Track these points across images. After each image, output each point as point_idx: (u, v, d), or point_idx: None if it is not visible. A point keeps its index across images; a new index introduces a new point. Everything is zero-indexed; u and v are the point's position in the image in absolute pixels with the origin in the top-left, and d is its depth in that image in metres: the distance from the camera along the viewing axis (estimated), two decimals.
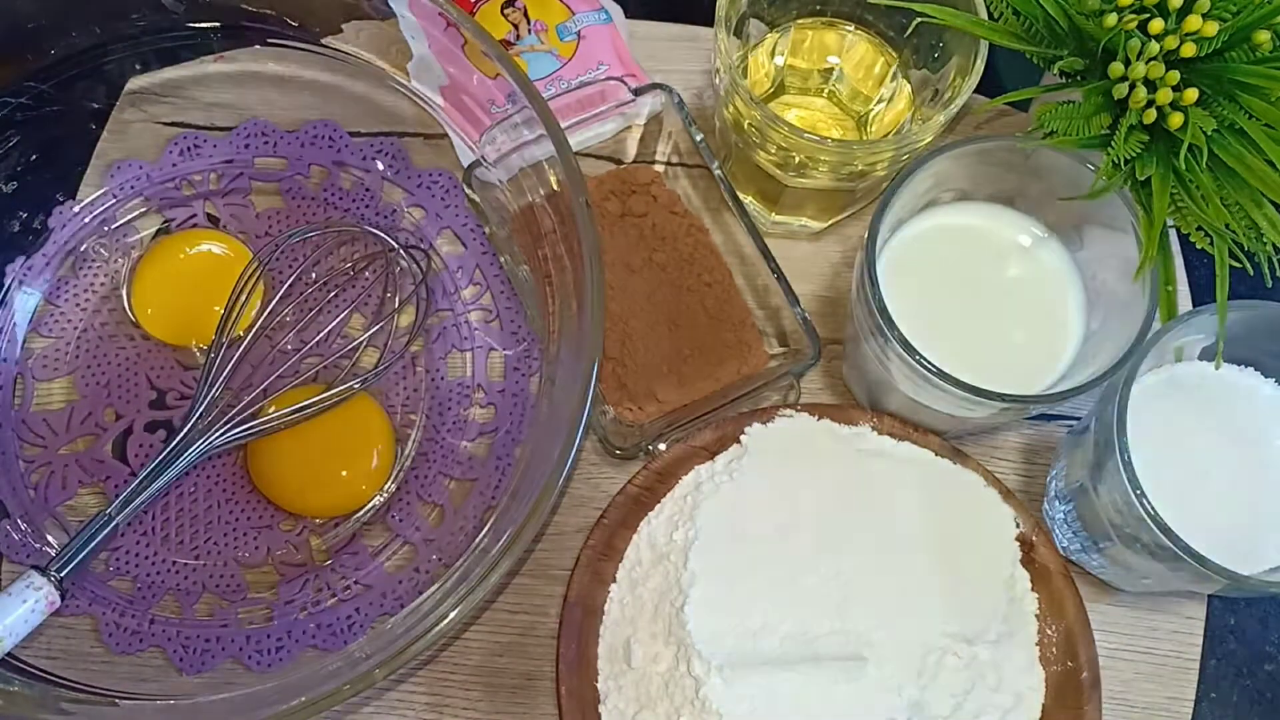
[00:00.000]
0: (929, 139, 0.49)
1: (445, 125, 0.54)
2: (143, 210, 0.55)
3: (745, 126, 0.50)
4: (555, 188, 0.47)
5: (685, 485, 0.49)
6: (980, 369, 0.44)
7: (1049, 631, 0.48)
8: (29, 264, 0.53)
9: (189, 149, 0.56)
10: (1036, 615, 0.48)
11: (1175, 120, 0.43)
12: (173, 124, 0.56)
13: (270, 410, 0.49)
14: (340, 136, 0.56)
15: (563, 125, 0.46)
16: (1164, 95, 0.43)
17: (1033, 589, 0.48)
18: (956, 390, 0.43)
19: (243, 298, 0.51)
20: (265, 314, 0.51)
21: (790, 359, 0.51)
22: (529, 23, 0.57)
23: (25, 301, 0.53)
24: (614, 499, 0.49)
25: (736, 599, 0.45)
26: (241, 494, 0.51)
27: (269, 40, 0.54)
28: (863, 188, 0.53)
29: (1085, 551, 0.48)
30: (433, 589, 0.46)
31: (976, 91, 0.48)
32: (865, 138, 0.55)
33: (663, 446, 0.49)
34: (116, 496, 0.46)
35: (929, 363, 0.43)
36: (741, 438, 0.50)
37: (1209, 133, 0.43)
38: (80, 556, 0.45)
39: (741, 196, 0.53)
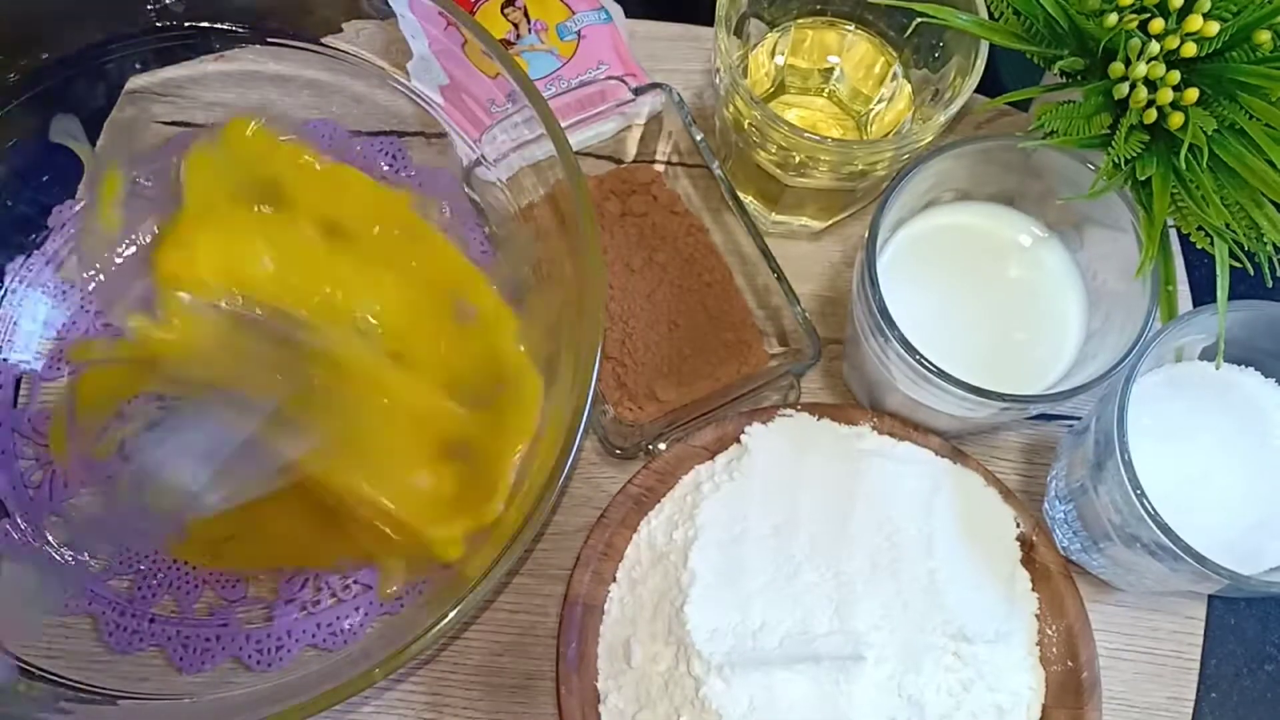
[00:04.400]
0: (929, 139, 0.49)
1: (445, 125, 0.54)
2: None
3: (745, 126, 0.50)
4: (555, 187, 0.47)
5: (685, 485, 0.49)
6: (980, 369, 0.44)
7: (1049, 631, 0.48)
8: (29, 263, 0.53)
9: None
10: (1036, 615, 0.48)
11: (1176, 120, 0.43)
12: (173, 123, 0.56)
13: None
14: (340, 136, 0.56)
15: (563, 125, 0.46)
16: (1164, 95, 0.43)
17: (1033, 589, 0.48)
18: (956, 390, 0.43)
19: None
20: None
21: (790, 359, 0.51)
22: (529, 22, 0.57)
23: (25, 301, 0.53)
24: (614, 499, 0.49)
25: (736, 599, 0.45)
26: None
27: (269, 40, 0.54)
28: (863, 187, 0.53)
29: (1085, 551, 0.48)
30: (432, 588, 0.46)
31: (976, 91, 0.48)
32: (865, 137, 0.55)
33: (663, 446, 0.49)
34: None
35: (929, 363, 0.43)
36: (741, 438, 0.50)
37: (1209, 133, 0.43)
38: None
39: (741, 196, 0.53)
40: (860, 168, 0.50)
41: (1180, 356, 0.47)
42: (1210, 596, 0.51)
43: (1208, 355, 0.46)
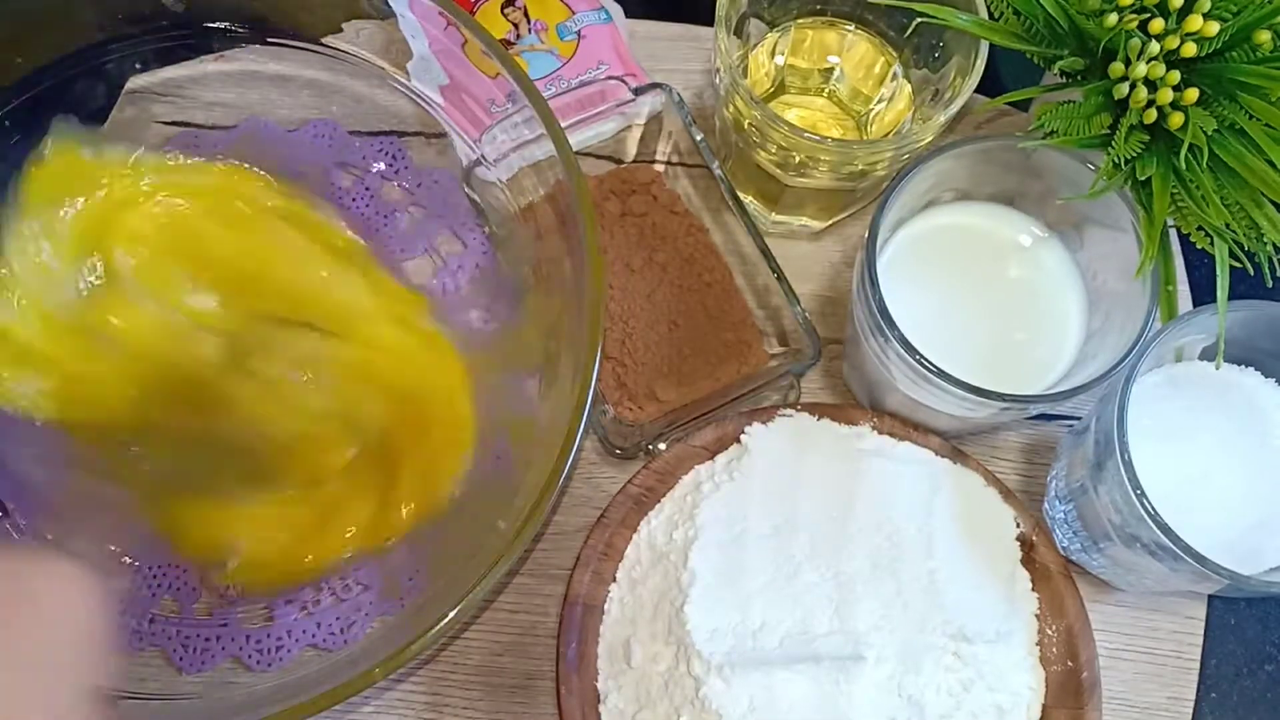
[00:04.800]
0: (929, 139, 0.49)
1: (445, 125, 0.54)
2: None
3: (745, 126, 0.50)
4: (555, 188, 0.47)
5: (685, 485, 0.49)
6: (980, 369, 0.44)
7: (1049, 631, 0.48)
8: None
9: (189, 148, 0.56)
10: (1036, 615, 0.48)
11: (1176, 120, 0.43)
12: (173, 123, 0.56)
13: None
14: (340, 136, 0.56)
15: (563, 125, 0.46)
16: (1164, 95, 0.43)
17: (1033, 589, 0.48)
18: (956, 390, 0.43)
19: None
20: None
21: (790, 359, 0.51)
22: (529, 22, 0.57)
23: None
24: (614, 499, 0.49)
25: (736, 599, 0.45)
26: None
27: (269, 40, 0.54)
28: (863, 187, 0.53)
29: (1085, 551, 0.48)
30: (432, 588, 0.46)
31: (976, 91, 0.48)
32: (865, 137, 0.55)
33: (663, 446, 0.49)
34: None
35: (929, 363, 0.43)
36: (741, 438, 0.50)
37: (1209, 133, 0.43)
38: None
39: (741, 196, 0.53)
40: (860, 168, 0.50)
41: (1180, 356, 0.47)
42: (1210, 596, 0.51)
43: (1208, 355, 0.46)
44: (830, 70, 0.56)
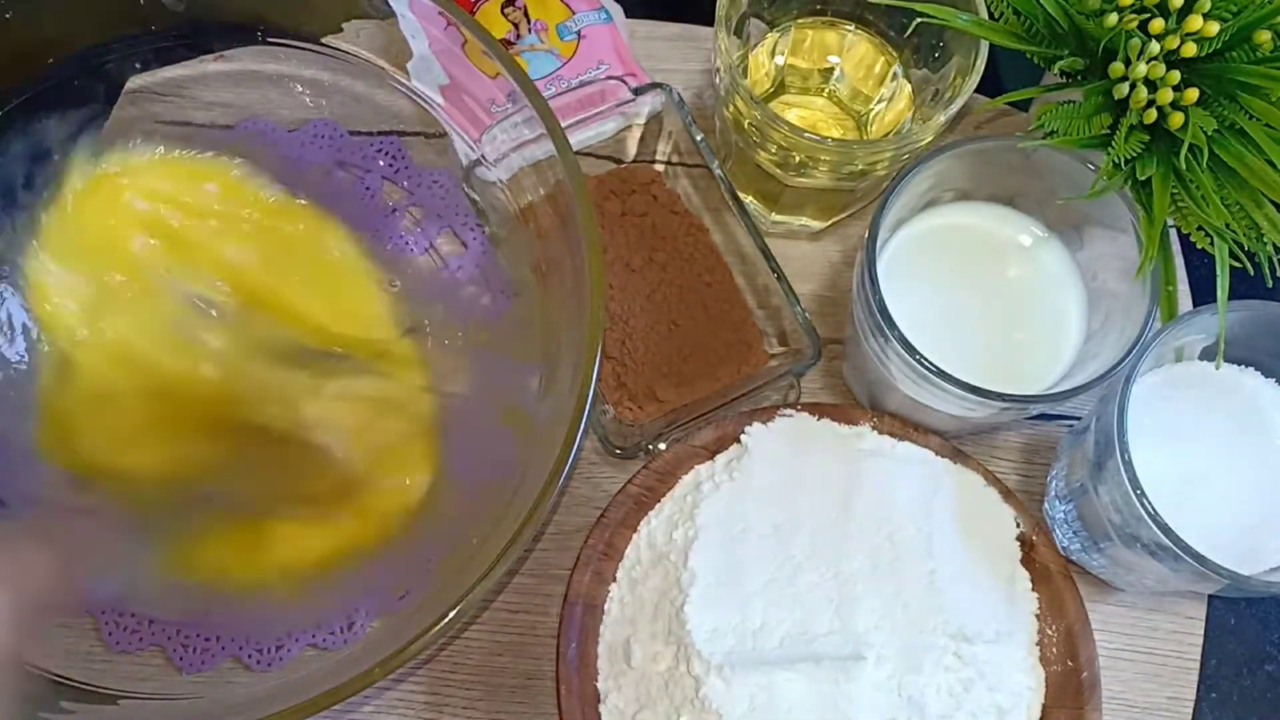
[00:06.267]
0: (929, 139, 0.49)
1: (445, 124, 0.54)
2: None
3: (745, 126, 0.50)
4: (555, 187, 0.47)
5: (685, 485, 0.49)
6: (980, 369, 0.44)
7: (1049, 631, 0.48)
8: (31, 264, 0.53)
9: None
10: (1036, 615, 0.48)
11: (1176, 120, 0.43)
12: (172, 123, 0.56)
13: None
14: (340, 136, 0.56)
15: (563, 125, 0.46)
16: (1164, 95, 0.43)
17: (1033, 589, 0.48)
18: (957, 390, 0.43)
19: None
20: None
21: (790, 359, 0.51)
22: (529, 22, 0.57)
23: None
24: (614, 499, 0.49)
25: (736, 598, 0.45)
26: None
27: (269, 39, 0.54)
28: (863, 187, 0.53)
29: (1085, 551, 0.48)
30: (432, 588, 0.46)
31: (977, 91, 0.48)
32: (865, 137, 0.55)
33: (663, 446, 0.49)
34: None
35: (929, 363, 0.43)
36: (741, 438, 0.50)
37: (1209, 133, 0.43)
38: None
39: (741, 196, 0.53)
40: (860, 168, 0.50)
41: (1180, 356, 0.47)
42: (1210, 596, 0.51)
43: (1208, 355, 0.46)
44: (830, 70, 0.56)
